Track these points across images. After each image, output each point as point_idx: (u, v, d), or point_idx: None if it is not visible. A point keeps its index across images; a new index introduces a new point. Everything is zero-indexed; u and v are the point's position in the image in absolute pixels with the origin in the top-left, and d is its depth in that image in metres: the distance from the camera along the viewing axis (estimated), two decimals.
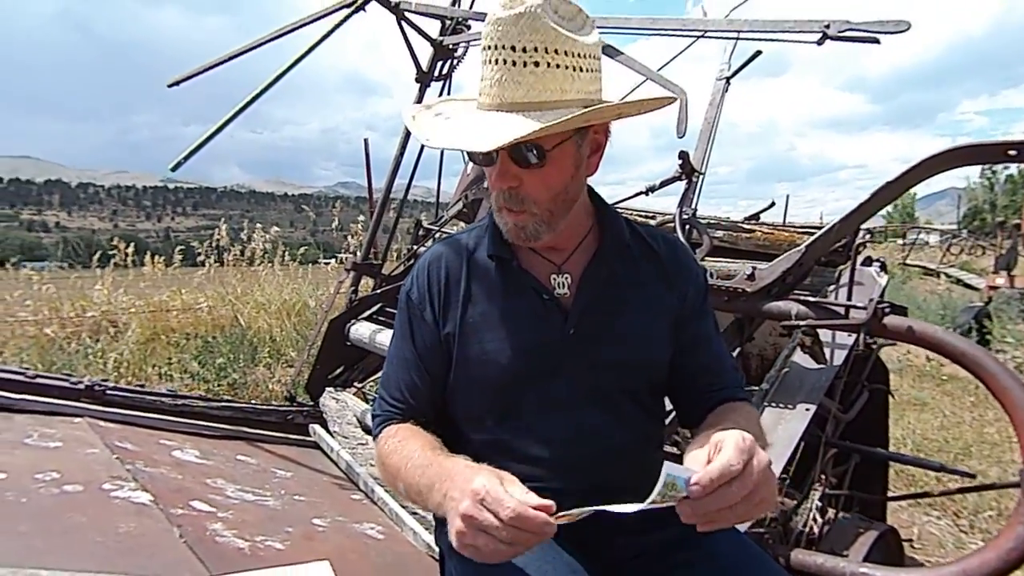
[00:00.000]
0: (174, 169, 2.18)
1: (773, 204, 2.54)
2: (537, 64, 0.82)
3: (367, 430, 2.13)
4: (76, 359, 3.41)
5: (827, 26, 1.50)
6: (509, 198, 0.89)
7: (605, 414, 0.95)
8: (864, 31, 1.45)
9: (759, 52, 1.87)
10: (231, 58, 2.78)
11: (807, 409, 1.57)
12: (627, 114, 0.93)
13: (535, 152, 0.85)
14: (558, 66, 0.83)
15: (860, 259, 1.95)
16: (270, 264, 4.83)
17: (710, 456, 0.71)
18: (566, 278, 0.96)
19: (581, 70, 0.85)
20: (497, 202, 0.91)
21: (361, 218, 4.66)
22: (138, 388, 1.84)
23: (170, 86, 2.81)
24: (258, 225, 5.01)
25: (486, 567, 0.87)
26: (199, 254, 4.68)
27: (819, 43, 1.53)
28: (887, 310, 1.34)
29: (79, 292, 4.73)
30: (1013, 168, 29.28)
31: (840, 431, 1.80)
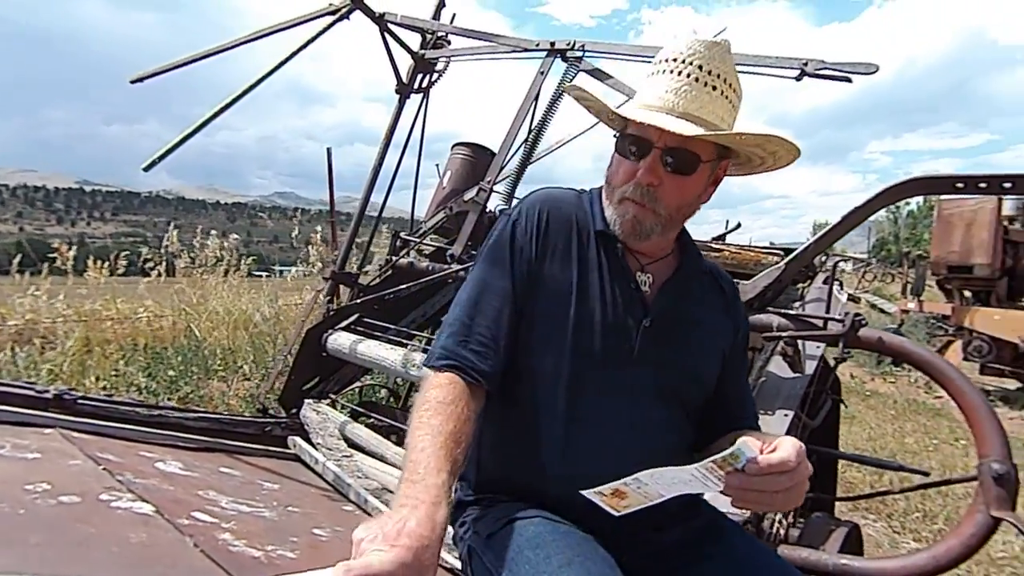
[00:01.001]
0: (147, 169, 2.09)
1: (740, 225, 2.72)
2: (715, 88, 0.92)
3: (350, 442, 2.08)
4: (7, 370, 3.12)
5: (805, 64, 1.65)
6: (644, 193, 0.94)
7: (661, 411, 0.99)
8: (838, 70, 1.61)
9: None
10: (202, 57, 2.71)
11: (785, 415, 1.68)
12: (785, 155, 0.99)
13: (687, 161, 0.93)
14: (726, 97, 0.94)
15: (822, 279, 2.13)
16: (224, 274, 4.60)
17: (762, 449, 0.79)
18: (649, 277, 1.02)
19: (734, 108, 0.96)
20: (625, 194, 0.96)
21: (319, 228, 4.56)
22: (110, 398, 1.73)
23: (133, 82, 2.71)
24: (212, 232, 4.78)
25: (529, 561, 0.89)
26: (148, 260, 4.39)
27: (798, 79, 1.68)
28: (864, 322, 1.47)
29: None
30: (913, 204, 32.24)
31: (806, 437, 1.93)
